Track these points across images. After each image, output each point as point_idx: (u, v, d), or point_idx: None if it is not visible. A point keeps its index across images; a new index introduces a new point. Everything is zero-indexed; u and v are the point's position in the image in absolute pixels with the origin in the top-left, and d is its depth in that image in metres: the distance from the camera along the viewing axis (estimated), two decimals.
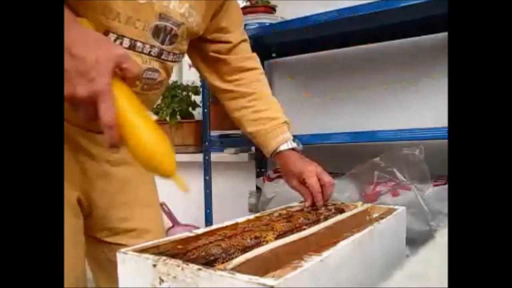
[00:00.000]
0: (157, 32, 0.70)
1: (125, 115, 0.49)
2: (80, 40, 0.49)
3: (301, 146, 0.87)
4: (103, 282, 0.81)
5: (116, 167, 0.77)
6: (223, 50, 0.87)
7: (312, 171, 0.80)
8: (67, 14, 0.50)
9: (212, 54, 0.87)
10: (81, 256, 0.74)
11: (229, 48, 0.87)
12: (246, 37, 0.91)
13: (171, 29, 0.72)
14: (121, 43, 0.66)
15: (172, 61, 0.77)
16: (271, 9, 1.41)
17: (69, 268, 0.68)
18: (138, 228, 0.80)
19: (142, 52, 0.69)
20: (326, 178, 0.79)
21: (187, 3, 0.72)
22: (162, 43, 0.72)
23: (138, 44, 0.68)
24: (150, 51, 0.70)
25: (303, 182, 0.80)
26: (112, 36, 0.65)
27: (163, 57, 0.74)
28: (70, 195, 0.71)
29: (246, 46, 0.91)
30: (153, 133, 0.50)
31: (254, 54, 0.92)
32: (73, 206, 0.71)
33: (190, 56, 0.90)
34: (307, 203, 0.79)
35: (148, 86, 0.74)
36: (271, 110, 0.88)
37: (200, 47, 0.87)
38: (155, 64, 0.73)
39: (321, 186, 0.78)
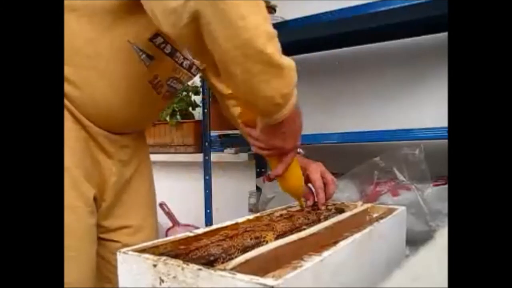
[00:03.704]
0: None
1: (292, 166, 0.73)
2: (297, 111, 0.64)
3: (302, 152, 0.87)
4: None
5: (124, 167, 0.80)
6: None
7: (316, 168, 0.81)
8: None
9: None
10: (94, 254, 0.75)
11: None
12: None
13: None
14: (164, 48, 0.70)
15: (195, 76, 0.81)
16: (271, 9, 1.41)
17: (85, 264, 0.72)
18: (134, 225, 0.82)
19: (177, 62, 0.73)
20: (329, 176, 0.80)
21: None
22: (194, 57, 0.75)
23: (177, 53, 0.72)
24: (182, 62, 0.74)
25: (306, 180, 0.81)
26: (159, 40, 0.68)
27: (192, 70, 0.78)
28: (88, 192, 0.73)
29: None
30: (299, 181, 0.77)
31: None
32: (90, 203, 0.73)
33: None
34: (309, 202, 0.79)
35: (169, 94, 0.77)
36: None
37: (208, 55, 0.89)
38: (184, 76, 0.77)
39: (324, 184, 0.79)
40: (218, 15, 0.50)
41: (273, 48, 0.53)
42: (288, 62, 0.56)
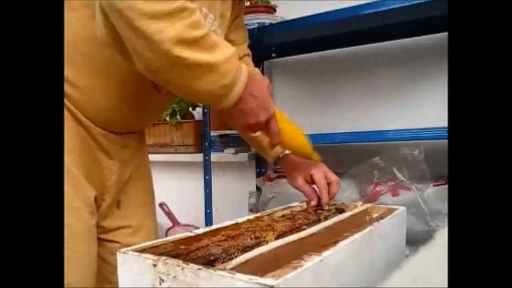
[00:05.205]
0: None
1: (282, 126, 0.72)
2: (255, 85, 0.65)
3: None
4: None
5: (124, 167, 0.80)
6: None
7: (319, 168, 0.81)
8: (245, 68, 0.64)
9: None
10: (95, 255, 0.75)
11: None
12: (249, 52, 0.94)
13: None
14: None
15: None
16: (271, 9, 1.41)
17: (86, 265, 0.72)
18: (133, 226, 0.82)
19: None
20: (333, 176, 0.80)
21: (217, 21, 0.75)
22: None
23: None
24: None
25: (309, 181, 0.81)
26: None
27: None
28: (89, 193, 0.73)
29: (249, 61, 0.94)
30: (298, 134, 0.77)
31: (257, 69, 0.95)
32: (91, 204, 0.73)
33: None
34: (313, 202, 0.79)
35: (168, 91, 0.76)
36: None
37: None
38: None
39: (328, 184, 0.79)
40: (135, 32, 0.54)
41: (194, 51, 0.56)
42: (220, 56, 0.59)
